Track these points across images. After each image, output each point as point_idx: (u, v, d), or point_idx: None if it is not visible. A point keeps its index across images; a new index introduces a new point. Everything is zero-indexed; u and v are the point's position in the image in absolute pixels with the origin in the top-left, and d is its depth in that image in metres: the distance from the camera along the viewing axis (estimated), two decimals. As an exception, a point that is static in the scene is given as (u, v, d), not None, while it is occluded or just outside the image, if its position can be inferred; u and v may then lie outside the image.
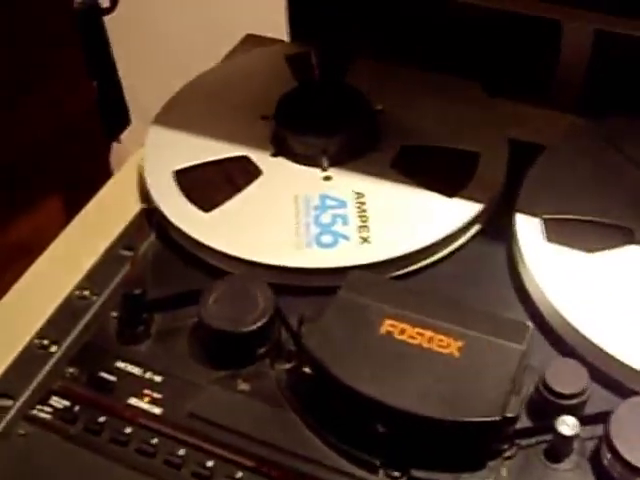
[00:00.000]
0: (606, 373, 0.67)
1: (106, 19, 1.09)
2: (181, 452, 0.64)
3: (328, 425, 0.65)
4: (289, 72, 0.92)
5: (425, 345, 0.63)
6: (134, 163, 0.87)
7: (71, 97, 1.10)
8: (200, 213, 0.77)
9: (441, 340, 0.63)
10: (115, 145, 1.29)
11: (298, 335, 0.66)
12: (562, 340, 0.69)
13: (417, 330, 0.64)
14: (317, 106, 0.84)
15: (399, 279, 0.74)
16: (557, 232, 0.75)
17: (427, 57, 0.91)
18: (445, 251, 0.76)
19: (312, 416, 0.65)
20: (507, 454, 0.63)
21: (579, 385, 0.63)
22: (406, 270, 0.74)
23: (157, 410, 0.67)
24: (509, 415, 0.61)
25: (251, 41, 1.02)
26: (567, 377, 0.63)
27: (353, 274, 0.68)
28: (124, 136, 1.28)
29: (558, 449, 0.62)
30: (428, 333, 0.64)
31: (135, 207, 0.83)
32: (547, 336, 0.70)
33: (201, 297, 0.69)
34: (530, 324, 0.64)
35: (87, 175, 1.17)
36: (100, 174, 1.15)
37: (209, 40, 1.05)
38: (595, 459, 0.62)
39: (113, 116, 1.19)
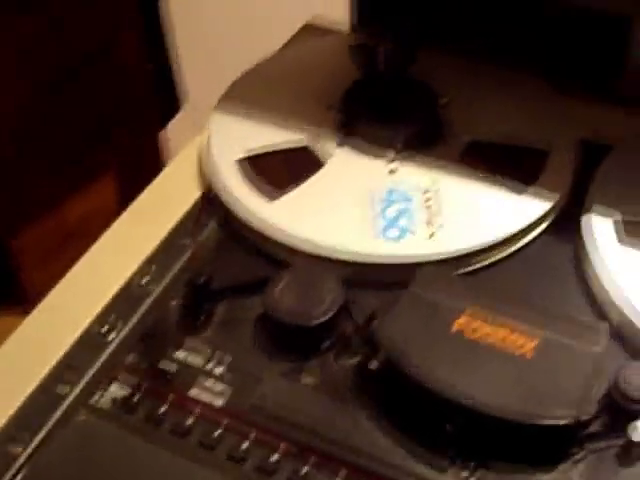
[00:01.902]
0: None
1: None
2: (244, 445, 0.63)
3: (395, 422, 0.64)
4: (352, 62, 0.91)
5: (499, 344, 0.62)
6: (191, 149, 0.86)
7: (127, 79, 1.10)
8: (264, 202, 0.76)
9: (515, 339, 0.62)
10: (161, 132, 1.29)
11: (368, 330, 0.65)
12: (635, 344, 0.68)
13: (491, 328, 0.63)
14: (384, 98, 0.83)
15: (466, 275, 0.73)
16: (629, 233, 0.73)
17: (494, 50, 0.90)
18: (512, 248, 0.75)
19: (378, 412, 0.64)
20: (578, 457, 0.62)
21: (652, 391, 0.61)
22: (473, 267, 0.73)
23: (219, 402, 0.66)
24: (583, 419, 0.59)
25: (309, 31, 1.01)
26: (640, 381, 0.62)
27: (423, 270, 0.67)
28: (171, 123, 1.28)
29: (630, 454, 0.61)
30: (502, 332, 0.63)
31: (195, 194, 0.82)
32: (616, 339, 0.69)
33: (267, 287, 0.68)
34: (606, 325, 0.63)
35: (136, 160, 1.17)
36: (148, 159, 1.15)
37: (265, 29, 1.03)
38: (664, 466, 0.61)
39: (165, 102, 1.18)
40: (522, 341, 0.62)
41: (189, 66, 1.25)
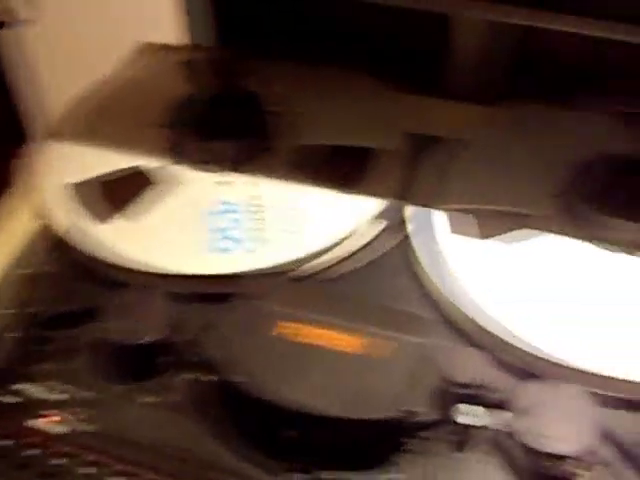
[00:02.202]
0: (508, 360, 0.67)
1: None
2: (89, 471, 0.63)
3: (234, 432, 0.64)
4: (184, 79, 0.91)
5: (324, 344, 0.63)
6: (30, 179, 0.85)
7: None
8: (97, 225, 0.76)
9: (340, 338, 0.63)
10: (16, 162, 1.27)
11: (197, 344, 0.65)
12: (463, 330, 0.69)
13: (315, 329, 0.64)
14: (212, 112, 0.84)
15: (300, 281, 0.74)
16: (455, 222, 0.75)
17: (323, 54, 0.91)
18: (344, 250, 0.75)
19: (218, 424, 0.65)
20: (412, 448, 0.63)
21: (477, 373, 0.63)
22: (304, 273, 0.74)
23: (61, 430, 0.66)
24: (411, 409, 0.61)
25: (144, 49, 1.01)
26: (466, 366, 0.63)
27: (249, 279, 0.68)
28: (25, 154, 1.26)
29: (463, 439, 0.63)
30: (326, 332, 0.64)
31: (31, 224, 0.81)
32: (449, 327, 0.70)
33: (99, 312, 0.68)
34: (427, 317, 0.65)
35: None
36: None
37: (103, 50, 1.03)
38: (501, 447, 0.62)
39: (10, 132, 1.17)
40: (348, 340, 0.63)
41: (37, 94, 1.24)
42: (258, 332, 0.64)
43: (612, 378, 0.65)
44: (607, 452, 0.62)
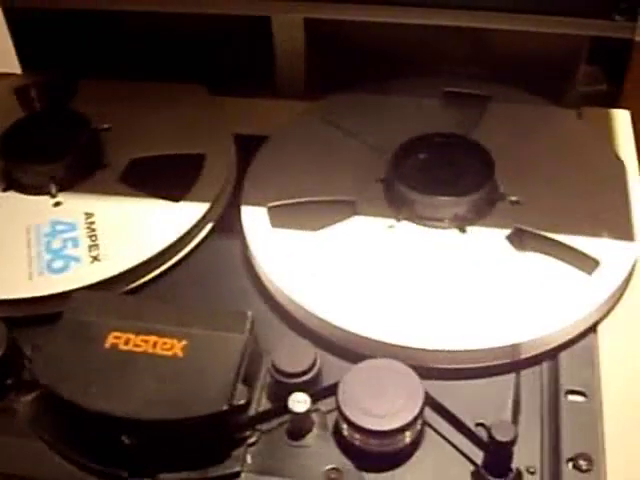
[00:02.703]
0: (337, 344, 0.69)
1: None
2: None
3: (74, 447, 0.65)
4: (17, 105, 0.92)
5: (150, 351, 0.64)
6: None
7: None
8: None
9: (165, 343, 0.64)
10: None
11: (29, 363, 0.66)
12: (295, 320, 0.71)
13: (140, 338, 0.64)
14: (40, 135, 0.84)
15: (135, 292, 0.75)
16: (282, 217, 0.77)
17: (152, 69, 0.92)
18: (178, 256, 0.77)
19: (59, 441, 0.65)
20: (250, 441, 0.64)
21: (306, 362, 0.64)
22: (140, 282, 0.75)
23: None
24: (237, 403, 0.62)
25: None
26: (295, 356, 0.64)
27: (77, 295, 0.69)
28: None
29: (297, 427, 0.64)
30: (151, 338, 0.64)
31: None
32: (283, 320, 0.72)
33: None
34: (249, 313, 0.66)
35: None
36: None
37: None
38: (336, 430, 0.64)
39: None
40: (171, 343, 0.64)
41: None
42: (88, 346, 0.65)
43: (432, 350, 0.67)
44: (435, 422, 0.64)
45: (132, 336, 0.65)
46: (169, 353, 0.64)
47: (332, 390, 0.63)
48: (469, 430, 0.62)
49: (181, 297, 0.74)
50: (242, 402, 0.62)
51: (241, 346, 0.64)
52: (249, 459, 0.63)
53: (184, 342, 0.64)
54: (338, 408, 0.62)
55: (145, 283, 0.75)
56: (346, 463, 0.63)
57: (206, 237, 0.79)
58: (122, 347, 0.64)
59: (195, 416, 0.61)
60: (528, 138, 0.82)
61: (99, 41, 0.96)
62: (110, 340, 0.65)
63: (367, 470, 0.62)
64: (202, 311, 0.66)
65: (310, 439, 0.64)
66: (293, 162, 0.81)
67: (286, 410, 0.63)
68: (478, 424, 0.64)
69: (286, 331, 0.71)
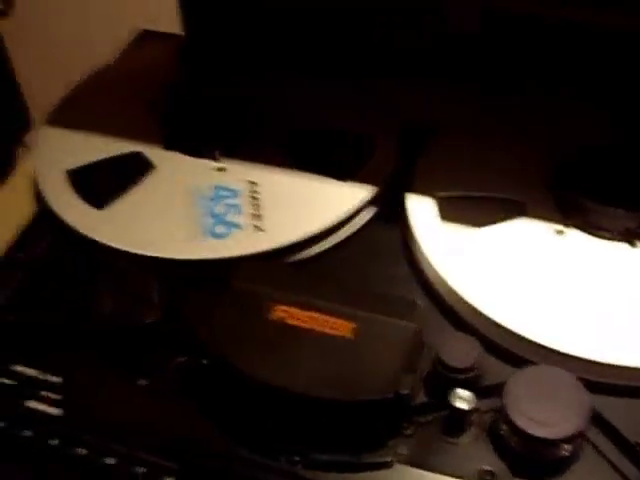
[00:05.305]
0: (501, 345, 0.68)
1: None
2: (83, 452, 0.64)
3: (228, 414, 0.65)
4: (181, 67, 0.92)
5: (318, 328, 0.63)
6: (30, 165, 0.86)
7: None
8: (93, 211, 0.77)
9: (334, 323, 0.63)
10: (21, 150, 1.28)
11: (193, 327, 0.65)
12: (458, 316, 0.70)
13: (309, 314, 0.64)
14: (206, 100, 0.84)
15: (296, 265, 0.74)
16: (450, 210, 0.75)
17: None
18: (341, 235, 0.76)
19: (211, 406, 0.65)
20: (406, 432, 0.63)
21: (472, 358, 0.63)
22: (302, 256, 0.75)
23: (57, 411, 0.66)
24: (403, 392, 0.61)
25: (145, 36, 1.02)
26: (460, 351, 0.64)
27: (245, 263, 0.68)
28: (30, 140, 1.27)
29: (455, 423, 0.63)
30: (321, 316, 0.64)
31: (30, 207, 0.82)
32: (444, 313, 0.71)
33: (96, 295, 0.68)
34: (419, 302, 0.65)
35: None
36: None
37: (103, 38, 1.04)
38: (493, 431, 0.63)
39: (13, 118, 1.18)
40: (340, 324, 0.63)
41: (43, 82, 1.24)
42: (252, 316, 0.64)
43: (602, 364, 0.65)
44: (596, 436, 0.63)
45: (301, 311, 0.64)
46: (337, 333, 0.63)
47: (496, 391, 0.62)
48: (633, 449, 0.61)
49: (339, 277, 0.73)
50: (406, 392, 0.61)
51: (410, 334, 0.63)
52: (404, 450, 0.62)
53: (353, 324, 0.63)
54: (502, 410, 0.61)
55: (303, 260, 0.75)
56: (500, 466, 0.62)
57: (368, 221, 0.78)
58: (289, 321, 0.64)
59: (360, 400, 0.60)
60: None
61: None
62: (278, 313, 0.64)
63: (521, 476, 0.61)
64: (371, 294, 0.66)
65: (465, 437, 0.63)
66: (464, 155, 0.80)
67: (448, 405, 0.62)
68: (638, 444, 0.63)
69: (444, 324, 0.70)
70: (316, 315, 0.64)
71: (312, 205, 0.76)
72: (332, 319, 0.64)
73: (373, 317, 0.64)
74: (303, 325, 0.64)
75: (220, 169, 0.80)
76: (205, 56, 0.91)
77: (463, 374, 0.63)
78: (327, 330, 0.63)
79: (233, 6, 0.94)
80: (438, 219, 0.75)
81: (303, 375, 0.61)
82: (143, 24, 1.02)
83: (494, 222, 0.74)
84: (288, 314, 0.64)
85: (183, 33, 1.00)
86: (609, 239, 0.74)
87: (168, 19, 1.00)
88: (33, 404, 0.67)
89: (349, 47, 0.90)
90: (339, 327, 0.63)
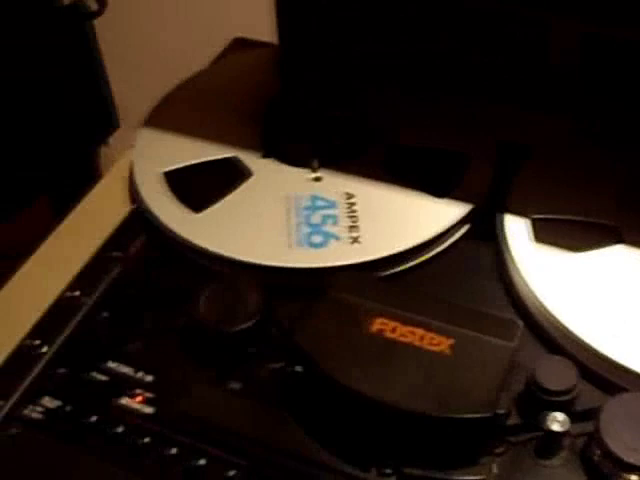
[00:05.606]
0: (595, 370, 0.67)
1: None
2: (173, 451, 0.65)
3: (319, 423, 0.65)
4: (277, 75, 0.93)
5: (416, 343, 0.64)
6: (123, 165, 0.87)
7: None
8: (190, 213, 0.78)
9: (432, 338, 0.64)
10: (103, 149, 1.30)
11: (289, 334, 0.66)
12: (551, 338, 0.70)
13: (408, 328, 0.64)
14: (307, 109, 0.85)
15: (389, 279, 0.74)
16: (545, 232, 0.75)
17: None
18: (434, 251, 0.76)
19: (303, 414, 0.66)
20: (498, 451, 0.63)
21: (568, 382, 0.63)
22: (396, 270, 0.75)
23: (148, 409, 0.67)
24: (500, 412, 0.61)
25: (240, 44, 1.03)
26: (556, 374, 0.63)
27: (342, 274, 0.69)
28: (113, 140, 1.28)
29: (548, 445, 0.63)
30: (419, 331, 0.64)
31: (125, 208, 0.83)
32: (536, 334, 0.71)
33: (192, 296, 0.69)
34: (520, 322, 0.65)
35: (72, 177, 1.17)
36: (88, 178, 1.16)
37: (196, 44, 1.05)
38: (585, 455, 0.62)
39: (98, 119, 1.19)
40: (439, 339, 0.64)
41: (129, 83, 1.26)
42: (349, 326, 0.65)
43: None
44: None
45: (399, 325, 0.64)
46: (436, 349, 0.63)
47: (590, 415, 0.62)
48: None
49: (434, 292, 0.73)
50: (504, 411, 0.61)
51: (509, 354, 0.63)
52: (495, 469, 0.62)
53: (452, 340, 0.63)
54: (596, 434, 0.61)
55: (396, 273, 0.75)
56: (591, 491, 0.62)
57: (461, 238, 0.78)
58: (388, 334, 0.64)
59: (458, 417, 0.60)
60: None
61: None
62: (376, 325, 0.65)
63: (610, 502, 0.61)
64: (470, 311, 0.66)
65: (557, 460, 0.63)
66: (558, 178, 0.80)
67: (542, 427, 0.62)
68: None
69: (537, 345, 0.70)
70: (415, 330, 0.64)
71: (407, 220, 0.77)
72: (430, 334, 0.64)
73: (471, 334, 0.64)
74: (401, 339, 0.64)
75: (317, 179, 0.81)
76: (303, 68, 0.92)
77: (559, 397, 0.63)
78: (425, 345, 0.63)
79: (333, 19, 0.95)
80: (533, 240, 0.75)
81: (399, 388, 0.61)
82: (237, 31, 1.03)
83: (590, 247, 0.74)
84: (387, 327, 0.64)
85: (277, 42, 1.00)
86: None
87: (263, 28, 1.00)
88: (125, 401, 0.68)
89: (451, 67, 0.90)
90: (438, 343, 0.63)
